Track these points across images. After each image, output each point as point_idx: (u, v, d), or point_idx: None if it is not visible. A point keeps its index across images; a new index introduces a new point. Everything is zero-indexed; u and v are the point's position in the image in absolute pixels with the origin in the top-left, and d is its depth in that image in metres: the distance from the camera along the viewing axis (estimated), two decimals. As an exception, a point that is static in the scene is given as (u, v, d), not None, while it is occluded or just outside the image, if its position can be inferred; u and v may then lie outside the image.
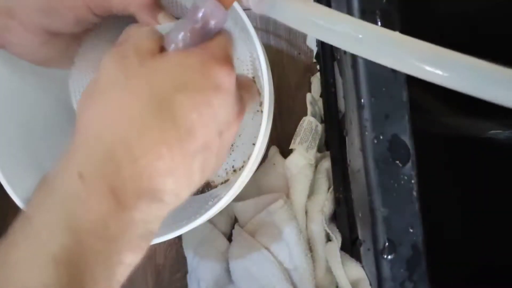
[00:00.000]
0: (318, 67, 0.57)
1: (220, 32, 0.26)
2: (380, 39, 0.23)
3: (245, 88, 0.28)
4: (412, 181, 0.34)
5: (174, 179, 0.23)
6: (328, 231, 0.49)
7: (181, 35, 0.26)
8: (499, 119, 0.58)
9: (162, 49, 0.25)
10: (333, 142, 0.53)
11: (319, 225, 0.50)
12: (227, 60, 0.25)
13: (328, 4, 0.46)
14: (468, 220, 0.55)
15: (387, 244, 0.34)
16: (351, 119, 0.40)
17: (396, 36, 0.23)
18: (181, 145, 0.23)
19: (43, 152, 0.40)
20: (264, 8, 0.25)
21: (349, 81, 0.39)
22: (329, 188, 0.52)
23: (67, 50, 0.36)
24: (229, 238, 0.50)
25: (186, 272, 0.52)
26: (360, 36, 0.23)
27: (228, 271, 0.49)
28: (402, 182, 0.34)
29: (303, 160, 0.50)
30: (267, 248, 0.48)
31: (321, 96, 0.55)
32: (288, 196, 0.51)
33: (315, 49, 0.58)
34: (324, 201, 0.51)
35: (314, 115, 0.52)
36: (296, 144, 0.50)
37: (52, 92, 0.41)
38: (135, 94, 0.23)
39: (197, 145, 0.23)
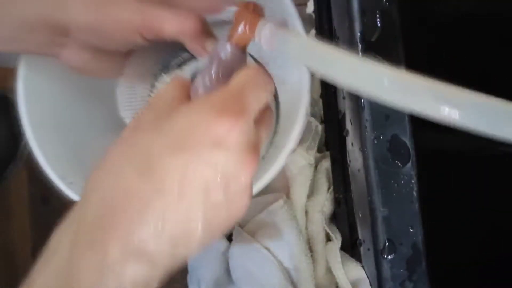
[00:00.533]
0: (318, 67, 0.57)
1: (239, 72, 0.25)
2: (417, 89, 0.22)
3: (264, 124, 0.26)
4: (412, 181, 0.34)
5: (164, 241, 0.22)
6: (328, 231, 0.49)
7: (201, 81, 0.26)
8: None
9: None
10: (333, 142, 0.53)
11: (319, 225, 0.50)
12: (235, 108, 0.23)
13: (328, 4, 0.46)
14: (468, 220, 0.55)
15: (387, 244, 0.34)
16: (351, 119, 0.40)
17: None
18: (175, 209, 0.22)
19: (86, 149, 0.43)
20: (275, 44, 0.26)
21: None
22: (329, 188, 0.52)
23: (115, 64, 0.38)
24: (229, 238, 0.50)
25: (186, 272, 0.52)
26: (386, 83, 0.22)
27: (228, 271, 0.49)
28: (402, 182, 0.34)
29: (303, 161, 0.50)
30: (267, 248, 0.48)
31: (321, 96, 0.55)
32: (288, 196, 0.51)
33: (315, 49, 0.57)
34: (324, 201, 0.51)
35: (314, 115, 0.52)
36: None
37: (98, 98, 0.45)
38: (130, 156, 0.23)
39: (192, 207, 0.22)
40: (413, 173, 0.34)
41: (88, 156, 0.42)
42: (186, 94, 0.26)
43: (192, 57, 0.37)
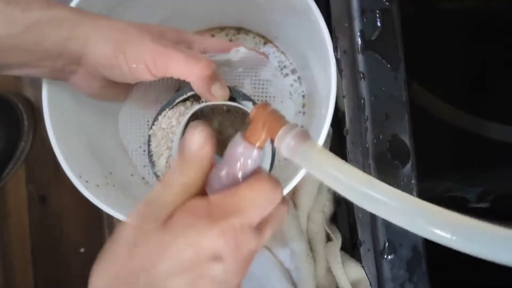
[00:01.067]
0: (318, 66, 0.57)
1: (247, 184, 0.25)
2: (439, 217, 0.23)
3: (269, 224, 0.26)
4: (412, 182, 0.34)
5: None
6: (329, 231, 0.49)
7: (216, 176, 0.26)
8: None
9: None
10: (333, 142, 0.53)
11: (319, 225, 0.50)
12: (237, 217, 0.24)
13: (328, 3, 0.46)
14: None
15: (387, 244, 0.34)
16: (351, 118, 0.40)
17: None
18: None
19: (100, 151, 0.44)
20: (296, 158, 0.25)
21: (349, 81, 0.39)
22: (329, 188, 0.52)
23: (121, 91, 0.41)
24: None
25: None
26: (399, 206, 0.24)
27: (228, 271, 0.49)
28: (402, 182, 0.34)
29: None
30: (267, 248, 0.47)
31: (321, 95, 0.55)
32: (292, 196, 0.51)
33: (315, 48, 0.57)
34: (325, 201, 0.51)
35: None
36: None
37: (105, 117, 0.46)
38: (131, 267, 0.23)
39: None
40: (413, 173, 0.34)
41: (102, 157, 0.43)
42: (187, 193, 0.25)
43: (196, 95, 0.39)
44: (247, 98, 0.38)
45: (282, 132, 0.26)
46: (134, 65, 0.33)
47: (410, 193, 0.34)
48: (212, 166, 0.26)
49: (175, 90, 0.47)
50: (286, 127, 0.26)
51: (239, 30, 0.49)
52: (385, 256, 0.34)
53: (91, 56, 0.33)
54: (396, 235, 0.34)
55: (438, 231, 0.23)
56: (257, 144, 0.26)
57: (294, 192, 0.51)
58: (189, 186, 0.25)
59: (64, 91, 0.40)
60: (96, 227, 0.62)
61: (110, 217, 0.62)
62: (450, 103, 0.59)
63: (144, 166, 0.47)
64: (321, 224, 0.50)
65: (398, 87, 0.34)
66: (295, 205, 0.52)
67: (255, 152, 0.26)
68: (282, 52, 0.48)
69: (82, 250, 0.62)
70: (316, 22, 0.36)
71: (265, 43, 0.48)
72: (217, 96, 0.36)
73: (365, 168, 0.36)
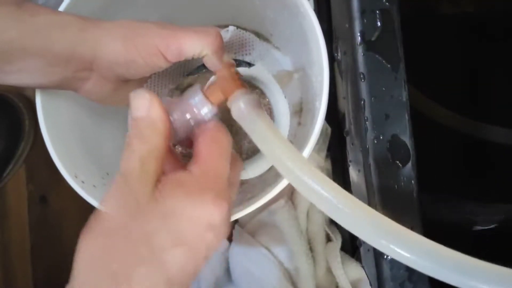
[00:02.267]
0: (318, 67, 0.57)
1: (205, 138, 0.27)
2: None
3: (232, 180, 0.28)
4: (412, 182, 0.34)
5: None
6: (328, 231, 0.49)
7: (176, 115, 0.28)
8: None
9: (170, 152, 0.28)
10: (333, 142, 0.53)
11: (319, 225, 0.50)
12: (220, 193, 0.26)
13: (328, 4, 0.46)
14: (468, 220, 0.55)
15: (387, 244, 0.34)
16: (351, 119, 0.40)
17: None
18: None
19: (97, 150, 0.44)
20: (243, 123, 0.28)
21: (350, 82, 0.39)
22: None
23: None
24: (229, 238, 0.50)
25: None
26: (335, 201, 0.26)
27: (228, 271, 0.49)
28: (402, 182, 0.34)
29: (312, 163, 0.50)
30: (267, 248, 0.48)
31: (321, 96, 0.55)
32: (291, 197, 0.51)
33: (315, 49, 0.57)
34: (324, 201, 0.51)
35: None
36: None
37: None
38: (129, 241, 0.24)
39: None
40: (413, 173, 0.34)
41: (100, 158, 0.43)
42: (161, 159, 0.26)
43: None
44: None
45: (236, 94, 0.28)
46: (147, 55, 0.33)
47: (410, 193, 0.34)
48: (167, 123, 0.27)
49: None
50: (241, 91, 0.28)
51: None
52: (385, 256, 0.34)
53: (103, 57, 0.33)
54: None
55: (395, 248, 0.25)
56: (210, 99, 0.28)
57: (292, 192, 0.51)
58: (155, 150, 0.26)
59: (59, 92, 0.39)
60: (96, 227, 0.62)
61: (110, 217, 0.62)
62: (446, 106, 0.59)
63: None
64: (321, 225, 0.50)
65: (398, 88, 0.34)
66: (293, 205, 0.52)
67: (205, 105, 0.28)
68: (277, 48, 0.48)
69: (82, 250, 0.62)
70: (306, 15, 0.36)
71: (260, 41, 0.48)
72: (228, 63, 0.36)
73: (365, 168, 0.36)
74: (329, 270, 0.48)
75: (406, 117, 0.34)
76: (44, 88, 0.37)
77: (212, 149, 0.27)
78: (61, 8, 0.37)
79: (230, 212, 0.27)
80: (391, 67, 0.34)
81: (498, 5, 0.59)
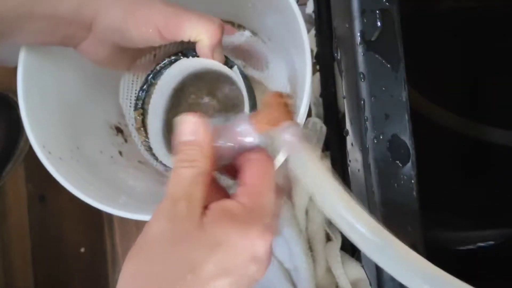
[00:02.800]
0: (318, 67, 0.57)
1: (253, 167, 0.27)
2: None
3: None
4: (412, 181, 0.34)
5: None
6: (328, 231, 0.49)
7: (221, 141, 0.28)
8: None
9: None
10: (333, 142, 0.53)
11: (319, 225, 0.50)
12: (266, 226, 0.25)
13: (328, 4, 0.46)
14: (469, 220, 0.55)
15: (387, 244, 0.34)
16: (351, 119, 0.40)
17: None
18: None
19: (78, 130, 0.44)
20: (290, 155, 0.27)
21: (350, 82, 0.39)
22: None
23: (127, 58, 0.40)
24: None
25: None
26: (371, 238, 0.26)
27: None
28: (402, 182, 0.34)
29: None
30: (266, 248, 0.47)
31: (321, 96, 0.55)
32: (289, 196, 0.51)
33: (315, 49, 0.57)
34: (324, 201, 0.51)
35: (318, 116, 0.52)
36: None
37: (101, 84, 0.46)
38: (175, 266, 0.24)
39: None
40: (413, 173, 0.34)
41: (74, 130, 0.43)
42: (206, 186, 0.26)
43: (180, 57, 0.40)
44: (241, 72, 0.39)
45: (288, 124, 0.27)
46: (144, 28, 0.33)
47: (410, 193, 0.34)
48: (213, 148, 0.27)
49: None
50: (292, 122, 0.27)
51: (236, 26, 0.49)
52: (385, 256, 0.34)
53: (101, 21, 0.33)
54: (396, 235, 0.34)
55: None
56: (257, 128, 0.27)
57: (291, 191, 0.51)
58: (203, 175, 0.26)
59: (44, 59, 0.39)
60: (96, 227, 0.62)
61: (110, 217, 0.62)
62: (446, 107, 0.59)
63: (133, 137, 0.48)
64: (321, 224, 0.50)
65: (398, 87, 0.34)
66: (292, 204, 0.52)
67: (253, 134, 0.28)
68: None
69: (82, 249, 0.62)
70: (291, 10, 0.37)
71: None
72: (218, 59, 0.36)
73: (365, 168, 0.36)
74: (329, 270, 0.48)
75: (406, 117, 0.34)
76: (45, 45, 0.37)
77: (264, 181, 0.27)
78: None
79: (272, 244, 0.26)
80: (391, 67, 0.34)
81: (499, 5, 0.59)
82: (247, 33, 0.41)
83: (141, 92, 0.45)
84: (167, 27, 0.33)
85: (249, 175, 0.27)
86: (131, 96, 0.47)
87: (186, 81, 0.45)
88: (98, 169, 0.43)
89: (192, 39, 0.34)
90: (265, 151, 0.28)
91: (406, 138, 0.34)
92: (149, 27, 0.33)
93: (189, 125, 0.27)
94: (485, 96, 0.60)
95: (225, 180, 0.31)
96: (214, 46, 0.35)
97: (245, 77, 0.41)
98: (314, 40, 0.57)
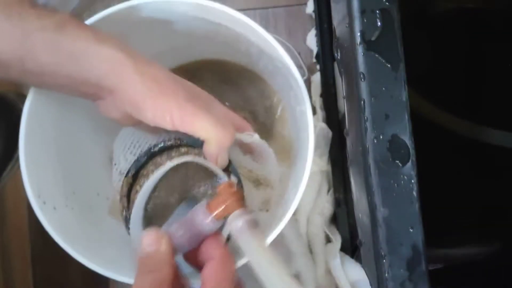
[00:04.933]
0: (318, 67, 0.57)
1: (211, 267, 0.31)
2: None
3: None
4: (412, 181, 0.34)
5: None
6: (328, 232, 0.49)
7: (176, 236, 0.32)
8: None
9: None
10: (333, 143, 0.53)
11: (318, 227, 0.50)
12: None
13: (328, 4, 0.46)
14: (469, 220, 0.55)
15: (387, 244, 0.34)
16: (351, 119, 0.40)
17: None
18: None
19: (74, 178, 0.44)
20: (239, 240, 0.32)
21: (350, 82, 0.39)
22: (328, 190, 0.52)
23: (136, 121, 0.39)
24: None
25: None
26: None
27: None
28: (402, 182, 0.34)
29: (314, 167, 0.50)
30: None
31: (321, 96, 0.55)
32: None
33: (315, 49, 0.57)
34: (324, 204, 0.51)
35: (324, 120, 0.53)
36: None
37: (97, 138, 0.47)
38: None
39: None
40: (413, 173, 0.34)
41: (70, 172, 0.43)
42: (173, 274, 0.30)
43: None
44: (234, 171, 0.39)
45: (237, 213, 0.32)
46: (159, 114, 0.34)
47: (410, 193, 0.34)
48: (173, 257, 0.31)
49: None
50: (242, 210, 0.32)
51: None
52: (385, 256, 0.34)
53: (121, 94, 0.34)
54: (396, 234, 0.34)
55: None
56: (215, 216, 0.32)
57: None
58: (168, 280, 0.29)
59: (50, 102, 0.39)
60: (96, 228, 0.62)
61: (109, 218, 0.62)
62: (445, 108, 0.59)
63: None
64: (320, 226, 0.50)
65: (398, 87, 0.34)
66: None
67: (211, 221, 0.32)
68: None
69: (81, 250, 0.62)
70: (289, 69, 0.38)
71: None
72: (220, 165, 0.37)
73: (365, 168, 0.36)
74: (329, 271, 0.48)
75: (406, 117, 0.34)
76: (66, 94, 0.37)
77: (219, 281, 0.30)
78: None
79: None
80: (391, 67, 0.34)
81: (499, 4, 0.59)
82: (256, 136, 0.41)
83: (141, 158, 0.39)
84: (181, 122, 0.34)
85: (209, 276, 0.30)
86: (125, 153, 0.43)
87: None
88: (92, 216, 0.43)
89: (202, 138, 0.35)
90: (226, 249, 0.32)
91: (406, 138, 0.34)
92: (165, 116, 0.34)
93: (152, 238, 0.31)
94: (485, 96, 0.60)
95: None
96: (221, 152, 0.36)
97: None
98: (314, 40, 0.57)
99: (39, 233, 0.62)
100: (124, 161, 0.40)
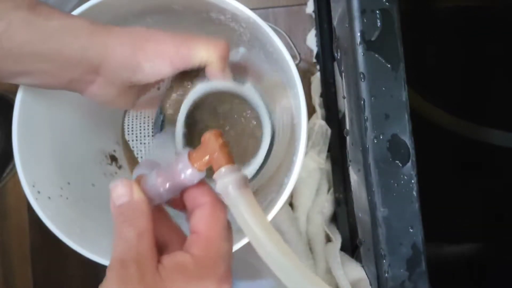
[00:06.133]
0: (318, 67, 0.57)
1: (203, 214, 0.27)
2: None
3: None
4: (412, 181, 0.34)
5: None
6: (328, 232, 0.49)
7: (153, 184, 0.28)
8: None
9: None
10: (333, 142, 0.53)
11: (318, 226, 0.50)
12: (222, 275, 0.26)
13: (328, 4, 0.46)
14: (469, 220, 0.55)
15: (387, 243, 0.34)
16: (351, 119, 0.40)
17: None
18: None
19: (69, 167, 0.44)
20: (226, 200, 0.27)
21: (350, 82, 0.39)
22: (329, 190, 0.52)
23: (133, 96, 0.40)
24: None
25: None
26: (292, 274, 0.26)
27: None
28: (402, 182, 0.34)
29: (313, 164, 0.50)
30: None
31: (321, 96, 0.55)
32: (292, 199, 0.51)
33: (315, 49, 0.58)
34: (324, 203, 0.51)
35: (323, 117, 0.53)
36: (308, 148, 0.50)
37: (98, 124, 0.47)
38: None
39: None
40: (413, 173, 0.34)
41: (66, 164, 0.43)
42: (153, 241, 0.26)
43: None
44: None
45: (224, 170, 0.27)
46: (156, 60, 0.34)
47: (410, 193, 0.34)
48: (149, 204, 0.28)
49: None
50: (229, 167, 0.27)
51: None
52: (385, 255, 0.34)
53: (111, 60, 0.34)
54: (396, 234, 0.34)
55: None
56: (197, 167, 0.27)
57: (292, 194, 0.51)
58: (146, 232, 0.26)
59: (41, 95, 0.39)
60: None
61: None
62: (445, 108, 0.59)
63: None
64: (320, 225, 0.50)
65: (398, 87, 0.34)
66: (293, 207, 0.52)
67: (193, 174, 0.27)
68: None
69: (82, 250, 0.62)
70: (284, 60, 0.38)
71: None
72: (228, 76, 0.37)
73: (365, 168, 0.36)
74: (329, 271, 0.48)
75: (406, 116, 0.34)
76: (51, 88, 0.37)
77: (215, 230, 0.27)
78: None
79: None
80: (391, 67, 0.34)
81: (499, 4, 0.59)
82: (241, 49, 0.41)
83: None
84: (178, 55, 0.34)
85: (199, 223, 0.27)
86: (136, 131, 0.47)
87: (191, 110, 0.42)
88: (87, 206, 0.43)
89: (202, 63, 0.35)
90: (214, 194, 0.28)
91: (406, 138, 0.34)
92: (161, 58, 0.34)
93: (123, 188, 0.27)
94: (485, 96, 0.60)
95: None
96: (224, 66, 0.36)
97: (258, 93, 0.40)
98: (314, 40, 0.57)
99: (39, 231, 0.62)
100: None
